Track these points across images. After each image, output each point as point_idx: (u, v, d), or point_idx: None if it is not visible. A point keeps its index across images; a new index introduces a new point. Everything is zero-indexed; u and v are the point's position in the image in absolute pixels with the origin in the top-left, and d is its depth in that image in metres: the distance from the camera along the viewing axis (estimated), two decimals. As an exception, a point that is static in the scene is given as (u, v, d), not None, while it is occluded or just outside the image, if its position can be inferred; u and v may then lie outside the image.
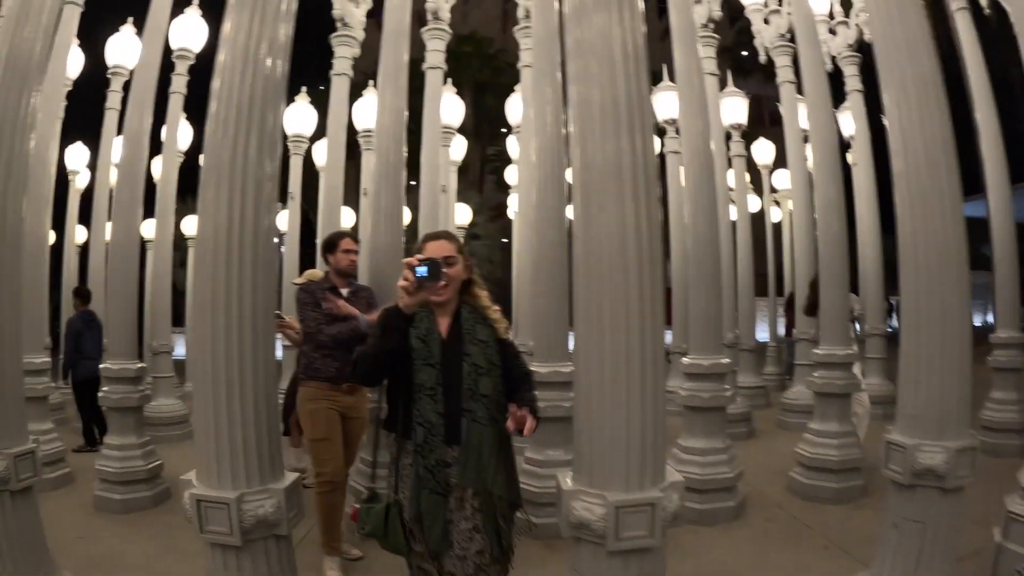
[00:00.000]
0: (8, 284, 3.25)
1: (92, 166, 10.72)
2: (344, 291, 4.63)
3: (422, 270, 2.38)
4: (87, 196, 10.87)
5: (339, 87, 7.47)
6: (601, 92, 2.28)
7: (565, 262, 5.03)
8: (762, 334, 13.40)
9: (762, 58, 8.91)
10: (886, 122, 3.39)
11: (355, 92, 8.30)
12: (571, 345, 5.31)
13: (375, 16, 7.81)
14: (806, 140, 8.84)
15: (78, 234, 12.64)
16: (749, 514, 5.43)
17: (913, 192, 3.25)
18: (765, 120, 24.28)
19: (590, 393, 2.33)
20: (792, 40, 7.80)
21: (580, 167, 2.34)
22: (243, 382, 2.31)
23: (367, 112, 9.18)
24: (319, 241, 8.57)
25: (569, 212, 5.24)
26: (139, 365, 6.06)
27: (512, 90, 9.74)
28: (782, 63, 8.14)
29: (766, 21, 8.50)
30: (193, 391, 2.42)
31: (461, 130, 10.61)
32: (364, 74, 9.22)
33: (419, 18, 6.18)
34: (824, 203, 6.09)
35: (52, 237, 12.79)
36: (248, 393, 2.32)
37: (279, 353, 6.08)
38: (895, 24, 3.36)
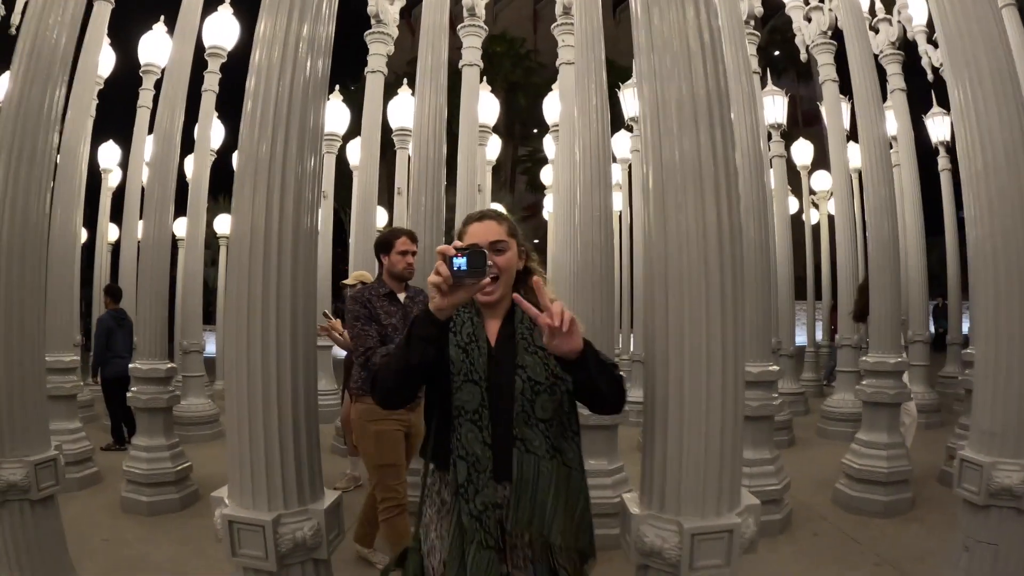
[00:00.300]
0: (32, 285, 3.13)
1: (124, 164, 10.75)
2: (401, 296, 4.25)
3: (460, 262, 1.84)
4: (119, 194, 10.89)
5: (374, 84, 7.38)
6: (678, 88, 2.11)
7: (611, 264, 4.91)
8: (799, 338, 13.15)
9: (803, 56, 8.73)
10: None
11: (387, 92, 8.19)
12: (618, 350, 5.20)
13: (405, 16, 7.73)
14: (849, 140, 8.66)
15: (110, 232, 12.76)
16: (795, 527, 5.23)
17: (991, 193, 3.07)
18: (799, 120, 24.02)
19: (666, 409, 2.11)
20: (833, 37, 7.62)
21: (655, 166, 2.15)
22: (281, 394, 2.14)
23: (402, 110, 9.09)
24: (352, 241, 8.49)
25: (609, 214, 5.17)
26: (169, 365, 5.99)
27: (544, 90, 9.64)
28: (824, 61, 7.95)
29: (807, 18, 8.27)
30: (227, 403, 2.24)
31: (493, 130, 10.52)
32: (395, 74, 9.16)
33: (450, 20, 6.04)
34: (875, 205, 5.84)
35: (84, 235, 12.99)
36: (287, 406, 2.15)
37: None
38: (968, 15, 3.17)
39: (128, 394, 5.97)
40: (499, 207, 14.39)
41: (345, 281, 5.34)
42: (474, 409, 2.00)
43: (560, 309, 1.83)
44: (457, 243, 1.93)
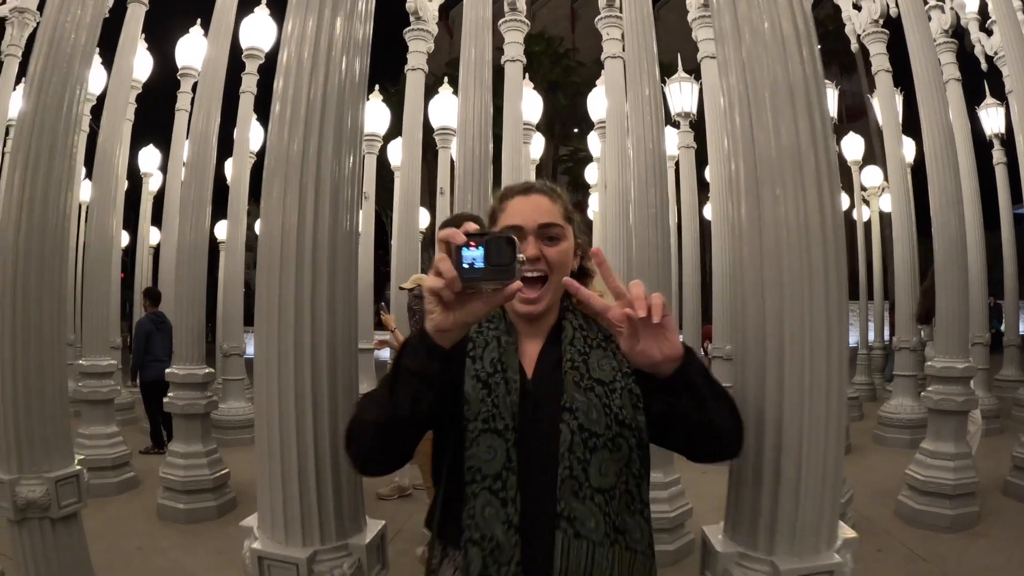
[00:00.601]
0: (51, 290, 2.96)
1: (165, 168, 10.82)
2: None
3: (475, 255, 1.23)
4: (161, 198, 10.97)
5: (414, 82, 7.23)
6: (772, 75, 1.89)
7: (669, 264, 4.74)
8: (850, 339, 12.74)
9: (853, 46, 8.44)
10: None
11: (427, 94, 8.04)
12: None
13: (443, 18, 7.58)
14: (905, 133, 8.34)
15: (152, 236, 12.91)
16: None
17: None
18: (843, 116, 23.48)
19: (761, 430, 1.84)
20: (885, 26, 7.42)
21: (746, 158, 1.92)
22: (317, 414, 1.93)
23: (443, 109, 8.96)
24: (394, 243, 8.37)
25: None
26: (206, 370, 5.90)
27: (583, 88, 9.48)
28: (876, 50, 7.66)
29: (856, 7, 7.98)
30: (256, 423, 2.02)
31: (535, 128, 10.30)
32: (434, 75, 9.05)
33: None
34: (941, 200, 5.53)
35: (127, 239, 13.13)
36: (323, 427, 1.93)
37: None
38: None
39: (165, 399, 5.90)
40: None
41: (403, 285, 5.16)
42: (495, 473, 1.36)
43: (643, 291, 1.28)
44: (470, 226, 1.24)
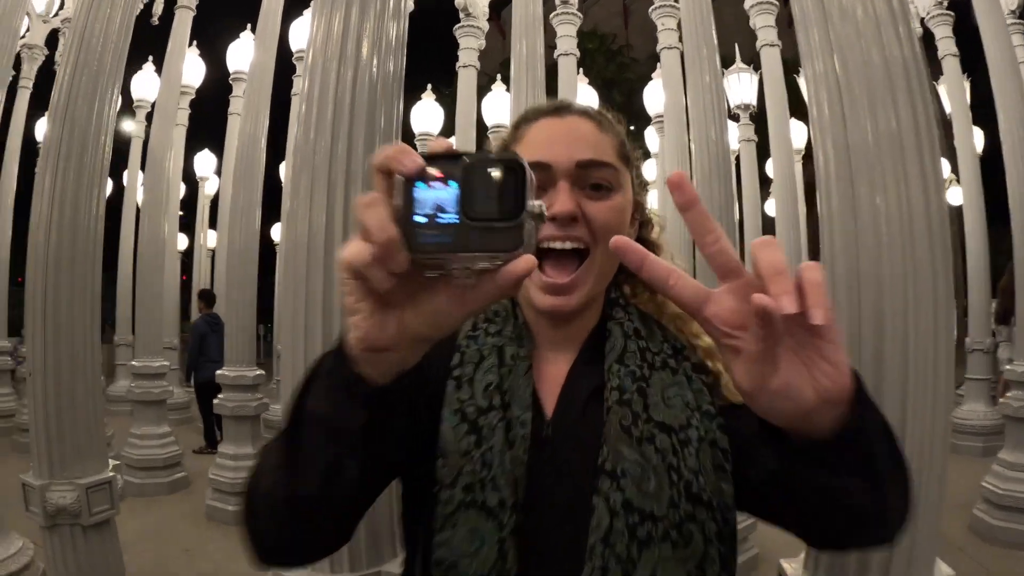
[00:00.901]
0: (84, 293, 2.90)
1: (220, 172, 10.99)
2: None
3: (441, 197, 0.53)
4: (217, 201, 11.17)
5: (466, 79, 7.14)
6: (865, 59, 1.73)
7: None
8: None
9: (917, 31, 8.05)
10: None
11: (479, 94, 7.94)
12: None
13: (494, 18, 7.45)
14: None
15: (209, 239, 13.19)
16: (932, 560, 4.66)
17: None
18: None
19: None
20: (950, 8, 7.19)
21: (837, 148, 1.75)
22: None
23: (496, 107, 8.86)
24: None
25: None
26: (256, 372, 5.86)
27: (637, 85, 9.25)
28: (942, 34, 7.40)
29: (920, -10, 7.66)
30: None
31: (588, 127, 10.11)
32: (487, 75, 8.95)
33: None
34: (1021, 192, 5.25)
35: (185, 242, 13.42)
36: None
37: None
38: None
39: (215, 401, 5.91)
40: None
41: None
42: (482, 574, 0.79)
43: (783, 262, 0.59)
44: (436, 143, 0.56)
